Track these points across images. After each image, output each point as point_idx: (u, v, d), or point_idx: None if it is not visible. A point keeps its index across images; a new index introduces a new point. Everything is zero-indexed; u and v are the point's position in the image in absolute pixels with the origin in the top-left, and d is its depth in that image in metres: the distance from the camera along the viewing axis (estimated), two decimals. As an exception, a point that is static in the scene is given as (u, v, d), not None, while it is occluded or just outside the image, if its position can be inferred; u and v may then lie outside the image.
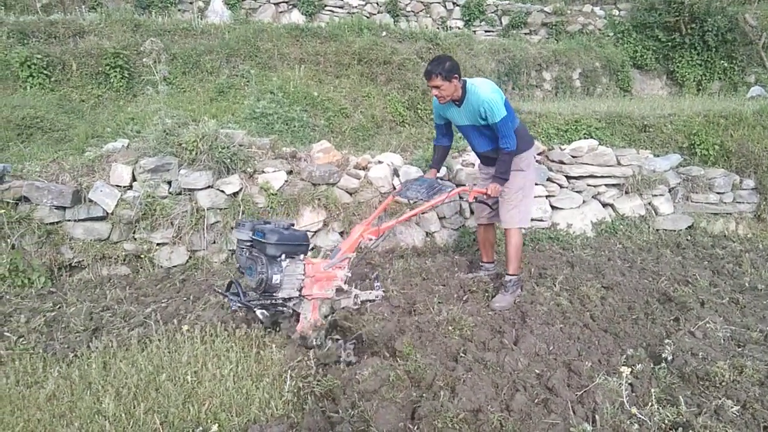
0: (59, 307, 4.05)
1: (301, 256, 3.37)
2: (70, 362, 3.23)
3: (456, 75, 3.82)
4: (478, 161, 4.66)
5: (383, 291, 4.03)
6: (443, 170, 5.64)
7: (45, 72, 7.56)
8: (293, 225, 3.49)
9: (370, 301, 3.92)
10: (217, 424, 2.62)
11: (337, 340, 3.38)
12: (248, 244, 3.34)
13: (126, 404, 2.79)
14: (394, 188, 5.50)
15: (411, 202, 4.17)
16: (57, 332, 3.64)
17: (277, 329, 3.58)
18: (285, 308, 3.44)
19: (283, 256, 3.25)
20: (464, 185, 4.66)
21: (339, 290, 3.59)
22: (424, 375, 3.05)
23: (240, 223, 3.47)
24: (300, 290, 3.35)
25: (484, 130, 4.04)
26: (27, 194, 4.57)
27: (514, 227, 4.22)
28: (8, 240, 4.45)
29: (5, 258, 4.38)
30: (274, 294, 3.27)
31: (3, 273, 4.35)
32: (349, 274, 3.62)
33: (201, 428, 2.58)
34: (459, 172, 5.76)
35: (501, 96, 3.93)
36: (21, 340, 3.50)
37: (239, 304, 3.29)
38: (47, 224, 4.62)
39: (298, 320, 3.45)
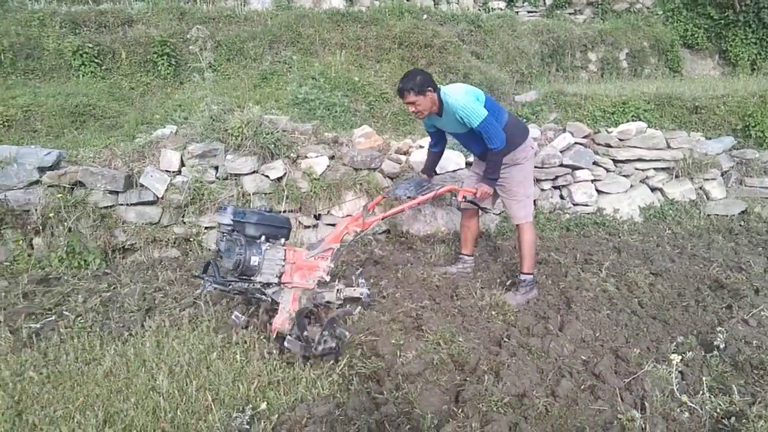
0: (114, 288, 4.21)
1: (282, 241, 3.32)
2: (125, 340, 3.37)
3: (430, 87, 3.66)
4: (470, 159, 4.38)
5: (369, 289, 3.81)
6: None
7: (96, 61, 7.78)
8: (271, 211, 3.43)
9: (354, 299, 3.71)
10: (266, 402, 2.69)
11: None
12: (229, 228, 3.26)
13: (179, 381, 2.89)
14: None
15: (401, 199, 4.02)
16: (112, 312, 3.78)
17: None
18: (263, 296, 3.34)
19: (263, 238, 3.20)
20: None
21: (321, 282, 3.45)
22: (467, 359, 3.06)
23: (221, 207, 3.39)
24: (279, 277, 3.27)
25: (473, 133, 3.80)
26: (82, 179, 4.75)
27: (523, 222, 4.02)
28: (65, 223, 4.63)
29: (63, 240, 4.57)
30: (252, 277, 3.19)
31: (61, 255, 4.55)
32: (332, 266, 3.48)
33: (251, 406, 2.66)
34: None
35: (476, 96, 3.73)
36: (79, 319, 3.66)
37: (215, 284, 3.22)
38: (101, 208, 4.79)
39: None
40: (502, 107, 4.00)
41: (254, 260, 3.13)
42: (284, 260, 3.27)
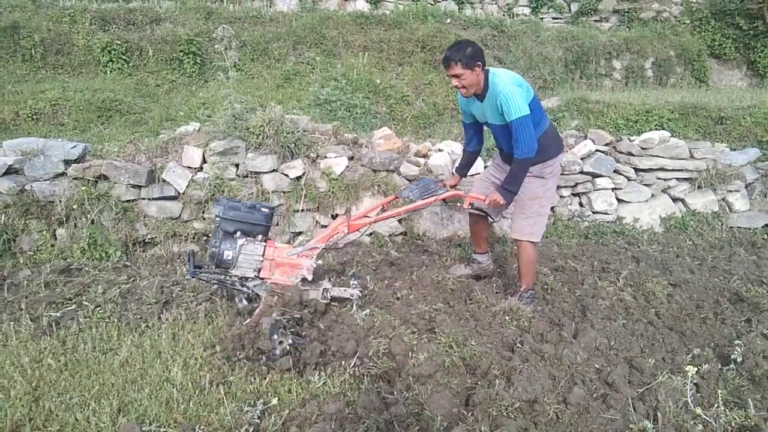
0: (133, 280, 4.27)
1: (260, 237, 3.41)
2: (142, 332, 3.43)
3: (479, 62, 3.33)
4: (493, 161, 4.11)
5: (360, 291, 3.60)
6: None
7: (124, 57, 7.94)
8: (273, 209, 3.55)
9: (343, 299, 3.55)
10: (276, 398, 2.72)
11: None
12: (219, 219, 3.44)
13: (192, 374, 2.94)
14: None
15: (406, 199, 3.91)
16: (131, 303, 3.85)
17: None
18: (245, 288, 3.48)
19: (239, 233, 3.34)
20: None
21: (306, 280, 3.45)
22: (479, 363, 3.04)
23: (217, 199, 3.57)
24: (258, 271, 3.39)
25: (509, 128, 3.44)
26: (106, 173, 4.83)
27: (525, 239, 3.71)
28: (88, 215, 4.71)
29: (85, 232, 4.65)
30: (228, 270, 3.37)
31: (83, 246, 4.63)
32: (314, 265, 3.50)
33: (262, 400, 2.69)
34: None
35: (525, 91, 3.39)
36: (98, 309, 3.73)
37: (189, 276, 3.41)
38: (124, 202, 4.86)
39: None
40: (545, 113, 3.72)
41: (228, 254, 3.32)
42: (263, 256, 3.39)
